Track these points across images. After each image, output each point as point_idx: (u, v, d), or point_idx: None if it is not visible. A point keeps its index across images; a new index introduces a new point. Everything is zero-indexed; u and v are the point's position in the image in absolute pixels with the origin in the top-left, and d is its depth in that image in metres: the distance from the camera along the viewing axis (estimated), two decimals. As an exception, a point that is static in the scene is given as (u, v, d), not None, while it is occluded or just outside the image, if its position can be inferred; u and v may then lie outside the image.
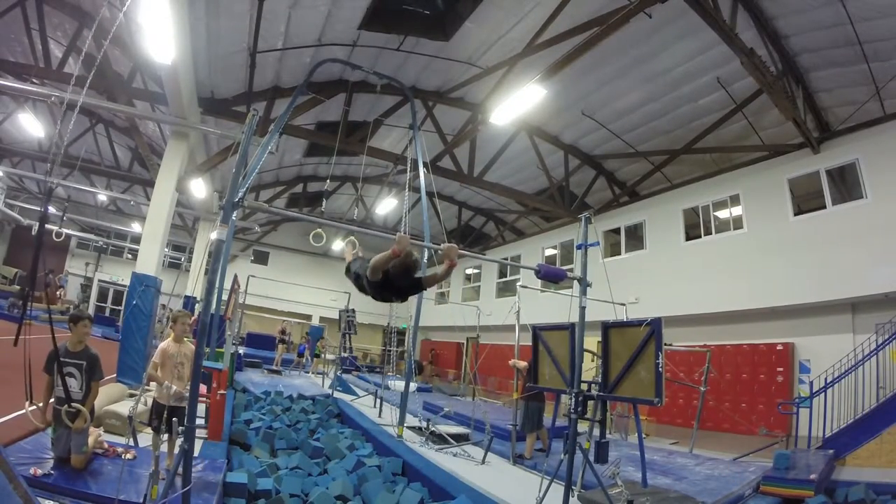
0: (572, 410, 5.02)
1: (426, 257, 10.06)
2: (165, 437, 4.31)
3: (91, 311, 18.12)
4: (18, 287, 18.07)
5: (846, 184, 9.47)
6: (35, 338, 3.60)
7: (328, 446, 6.71)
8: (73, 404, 3.71)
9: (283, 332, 16.49)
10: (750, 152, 10.53)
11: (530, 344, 7.01)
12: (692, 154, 11.09)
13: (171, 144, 9.90)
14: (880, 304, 8.30)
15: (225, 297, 10.16)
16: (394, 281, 3.25)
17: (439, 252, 3.70)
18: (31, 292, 6.45)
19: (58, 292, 18.87)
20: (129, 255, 22.54)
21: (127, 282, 9.43)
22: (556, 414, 7.50)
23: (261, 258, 23.42)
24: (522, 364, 7.75)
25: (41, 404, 3.77)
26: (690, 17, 7.05)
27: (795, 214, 9.85)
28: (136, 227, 19.40)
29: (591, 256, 5.42)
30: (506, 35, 8.73)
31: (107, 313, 21.02)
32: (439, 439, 7.85)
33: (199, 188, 12.09)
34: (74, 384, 3.83)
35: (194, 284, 14.15)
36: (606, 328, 5.83)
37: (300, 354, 17.24)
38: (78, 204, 20.06)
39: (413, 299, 9.31)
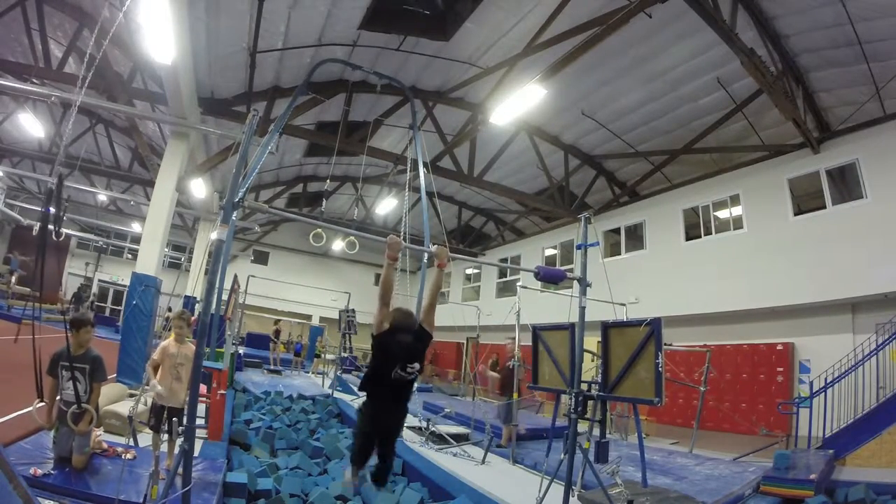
0: (572, 410, 5.02)
1: (425, 258, 10.10)
2: (165, 437, 4.31)
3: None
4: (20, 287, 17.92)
5: (846, 184, 9.47)
6: (30, 337, 3.60)
7: (328, 446, 6.71)
8: (82, 404, 3.72)
9: (276, 332, 16.44)
10: (750, 152, 10.53)
11: (531, 344, 7.01)
12: (692, 154, 11.09)
13: (171, 144, 9.91)
14: (880, 304, 8.30)
15: (225, 297, 10.15)
16: (398, 341, 3.18)
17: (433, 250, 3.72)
18: (41, 292, 6.40)
19: (12, 278, 17.62)
20: (129, 255, 22.55)
21: (127, 282, 9.43)
22: (555, 414, 7.50)
23: (261, 258, 23.42)
24: (495, 375, 8.55)
25: (46, 404, 3.78)
26: (690, 17, 7.06)
27: (795, 214, 9.86)
28: (136, 227, 19.39)
29: (591, 256, 5.41)
30: (506, 35, 8.73)
31: (107, 313, 21.02)
32: (439, 439, 7.85)
33: (199, 188, 12.09)
34: (79, 388, 3.83)
35: (194, 284, 14.14)
36: (606, 328, 5.82)
37: (297, 353, 17.22)
38: (78, 204, 20.04)
39: (412, 300, 9.30)
